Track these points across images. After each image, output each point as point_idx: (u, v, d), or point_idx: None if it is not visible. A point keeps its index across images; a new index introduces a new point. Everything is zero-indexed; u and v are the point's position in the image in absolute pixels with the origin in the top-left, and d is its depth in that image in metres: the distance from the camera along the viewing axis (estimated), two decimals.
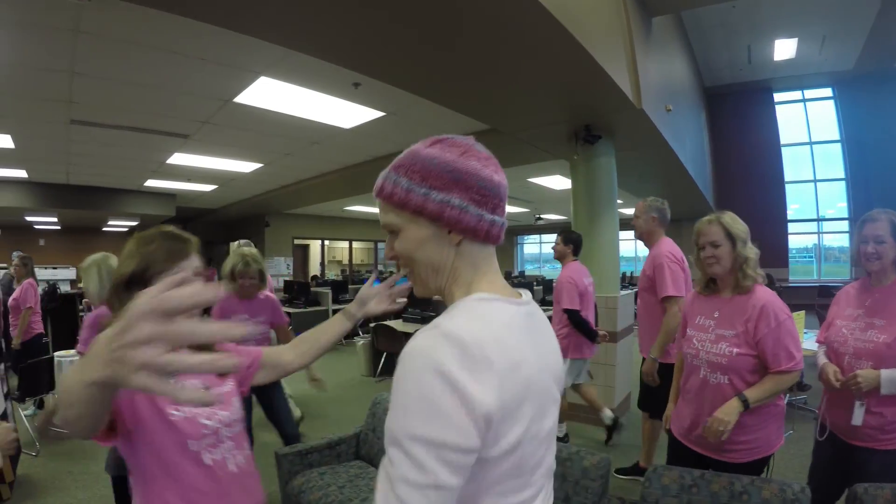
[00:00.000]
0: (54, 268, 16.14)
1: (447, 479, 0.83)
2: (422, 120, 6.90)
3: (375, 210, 1.13)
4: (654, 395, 3.99)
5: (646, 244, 4.37)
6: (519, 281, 14.41)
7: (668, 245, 4.14)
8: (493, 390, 0.86)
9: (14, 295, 6.36)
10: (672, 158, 8.01)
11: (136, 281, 1.41)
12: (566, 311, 4.81)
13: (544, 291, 11.14)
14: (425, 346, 0.88)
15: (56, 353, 6.19)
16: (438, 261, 1.06)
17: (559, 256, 5.18)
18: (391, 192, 1.04)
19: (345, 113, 6.65)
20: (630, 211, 6.22)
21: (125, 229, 17.43)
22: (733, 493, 2.23)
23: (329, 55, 4.16)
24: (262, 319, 3.94)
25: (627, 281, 15.38)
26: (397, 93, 5.05)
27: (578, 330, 4.83)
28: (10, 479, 4.40)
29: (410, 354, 0.88)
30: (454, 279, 1.07)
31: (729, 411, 2.30)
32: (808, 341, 5.90)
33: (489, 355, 0.88)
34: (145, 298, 0.66)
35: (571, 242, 5.10)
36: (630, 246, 20.20)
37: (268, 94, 5.86)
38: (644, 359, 4.10)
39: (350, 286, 13.07)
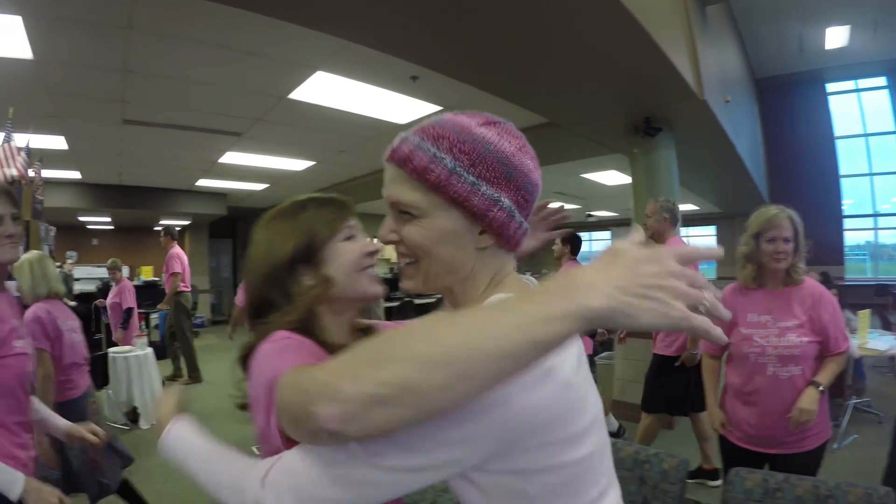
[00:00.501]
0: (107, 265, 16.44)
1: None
2: None
3: None
4: (661, 392, 4.39)
5: (657, 244, 4.36)
6: None
7: (679, 245, 4.08)
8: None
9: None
10: (730, 152, 7.82)
11: (300, 259, 1.17)
12: None
13: None
14: None
15: (110, 350, 6.31)
16: (458, 261, 0.93)
17: (558, 256, 5.37)
18: (426, 167, 0.87)
19: (401, 108, 6.57)
20: (686, 207, 6.11)
21: (177, 228, 17.68)
22: (818, 496, 2.15)
23: (388, 47, 4.16)
24: None
25: None
26: (455, 86, 5.02)
27: None
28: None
29: None
30: (471, 279, 0.95)
31: (812, 400, 2.36)
32: (874, 341, 5.74)
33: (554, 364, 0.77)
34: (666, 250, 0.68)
35: (570, 243, 5.30)
36: (700, 243, 19.30)
37: (323, 89, 5.81)
38: (655, 355, 4.49)
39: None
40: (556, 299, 0.65)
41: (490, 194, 0.87)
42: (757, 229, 2.58)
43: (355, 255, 1.21)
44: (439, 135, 0.89)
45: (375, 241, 1.17)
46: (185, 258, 8.31)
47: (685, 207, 8.58)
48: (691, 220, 16.47)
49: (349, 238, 1.24)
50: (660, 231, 4.40)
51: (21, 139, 4.73)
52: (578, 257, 5.28)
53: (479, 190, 0.87)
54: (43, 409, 2.27)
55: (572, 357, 0.83)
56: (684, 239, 5.15)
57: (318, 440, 0.75)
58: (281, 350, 1.06)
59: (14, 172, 4.47)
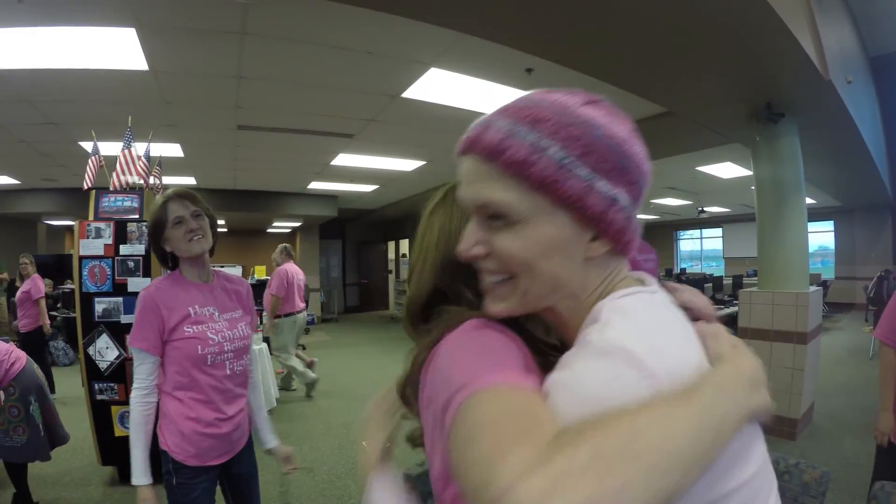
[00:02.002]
0: (222, 266, 17.29)
1: None
2: None
3: None
4: None
5: None
6: (686, 279, 13.66)
7: None
8: None
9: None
10: (854, 138, 7.30)
11: None
12: None
13: (714, 289, 10.70)
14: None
15: None
16: (564, 276, 0.74)
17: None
18: (525, 159, 0.70)
19: None
20: (810, 201, 5.75)
21: (288, 230, 18.44)
22: None
23: (504, 37, 4.09)
24: None
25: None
26: (570, 77, 4.86)
27: None
28: None
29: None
30: (576, 297, 0.76)
31: None
32: None
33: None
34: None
35: None
36: (817, 239, 17.95)
37: (436, 86, 5.76)
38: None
39: None
40: (741, 398, 0.63)
41: (607, 192, 0.70)
42: None
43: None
44: (537, 117, 0.71)
45: None
46: (294, 277, 7.95)
47: (808, 201, 8.05)
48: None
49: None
50: None
51: (140, 147, 4.97)
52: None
53: (594, 187, 0.69)
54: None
55: None
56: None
57: None
58: (477, 343, 0.78)
59: (135, 178, 4.71)
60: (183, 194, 2.25)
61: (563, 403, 0.62)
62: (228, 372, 2.25)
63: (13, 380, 3.96)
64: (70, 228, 16.64)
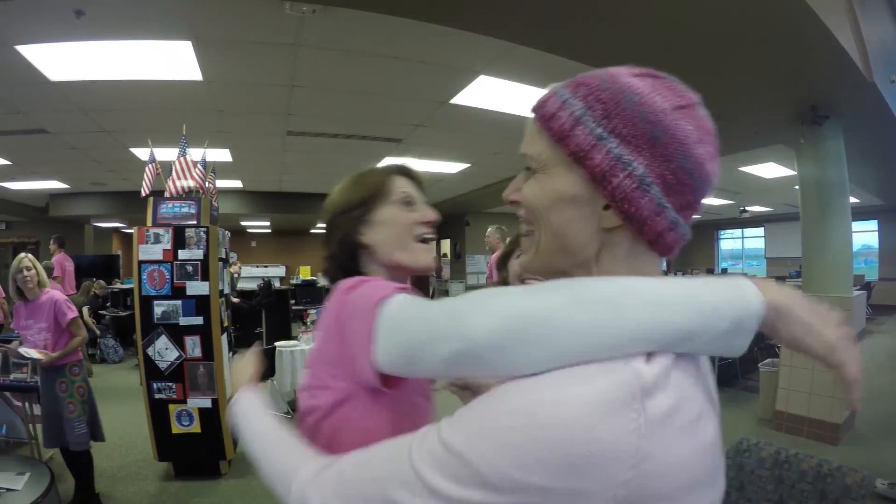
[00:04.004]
0: (265, 266, 17.62)
1: None
2: None
3: None
4: None
5: None
6: None
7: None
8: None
9: None
10: None
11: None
12: None
13: None
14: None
15: (277, 343, 6.72)
16: (573, 236, 0.74)
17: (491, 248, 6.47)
18: (554, 113, 0.73)
19: None
20: (853, 200, 5.69)
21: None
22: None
23: (554, 47, 4.16)
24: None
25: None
26: None
27: None
28: (231, 455, 4.79)
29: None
30: (592, 269, 0.75)
31: None
32: None
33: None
34: None
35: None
36: (860, 238, 17.08)
37: (484, 93, 5.80)
38: None
39: None
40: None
41: (619, 153, 0.69)
42: None
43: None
44: (582, 82, 0.75)
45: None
46: None
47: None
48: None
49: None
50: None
51: (195, 154, 5.12)
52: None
53: (603, 144, 0.69)
54: None
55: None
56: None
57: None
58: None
59: (191, 184, 4.84)
60: (412, 173, 1.46)
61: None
62: None
63: (78, 361, 4.17)
64: (117, 230, 17.06)
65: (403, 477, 0.65)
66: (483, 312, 0.67)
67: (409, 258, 1.23)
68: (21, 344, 4.17)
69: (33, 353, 3.95)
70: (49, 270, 8.14)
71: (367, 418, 1.01)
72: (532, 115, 0.79)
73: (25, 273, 4.04)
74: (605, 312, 0.62)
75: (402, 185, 1.31)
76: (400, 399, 1.04)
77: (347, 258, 1.24)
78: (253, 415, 1.04)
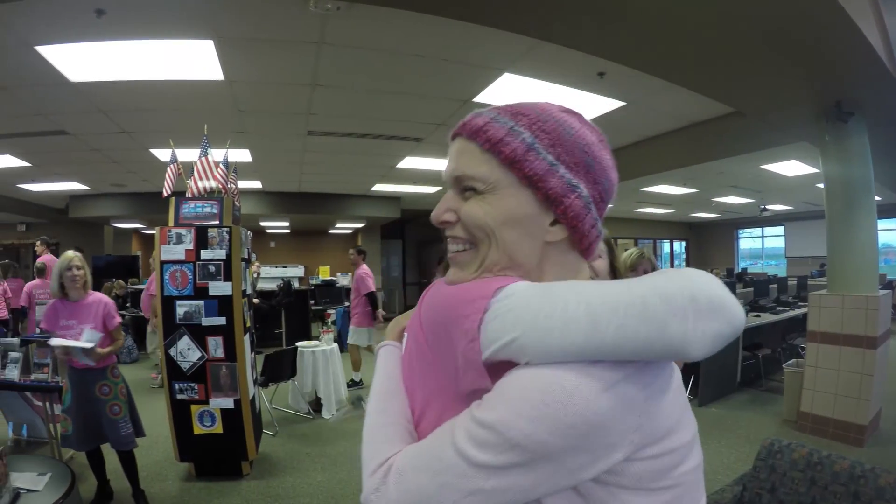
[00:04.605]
0: (284, 266, 17.67)
1: None
2: (660, 108, 6.54)
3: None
4: None
5: None
6: (748, 279, 13.29)
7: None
8: None
9: None
10: None
11: None
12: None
13: (779, 290, 10.34)
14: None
15: (298, 344, 6.74)
16: (522, 251, 0.83)
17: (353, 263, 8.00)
18: (502, 139, 0.81)
19: (583, 105, 6.33)
20: (876, 198, 5.61)
21: (350, 231, 18.66)
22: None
23: (580, 44, 4.13)
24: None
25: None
26: (640, 80, 4.93)
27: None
28: (253, 456, 4.79)
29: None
30: (534, 278, 0.83)
31: None
32: None
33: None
34: None
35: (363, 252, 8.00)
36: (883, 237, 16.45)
37: (508, 91, 5.75)
38: None
39: None
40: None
41: (568, 179, 0.81)
42: None
43: None
44: (518, 112, 0.85)
45: None
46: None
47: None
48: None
49: None
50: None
51: (217, 154, 5.12)
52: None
53: (557, 171, 0.80)
54: None
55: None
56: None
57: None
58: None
59: (213, 184, 4.84)
60: None
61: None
62: None
63: (115, 363, 4.15)
64: (136, 231, 17.18)
65: (449, 459, 0.72)
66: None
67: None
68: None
69: (81, 344, 3.80)
70: (42, 271, 8.26)
71: None
72: (463, 138, 0.87)
73: (76, 272, 3.93)
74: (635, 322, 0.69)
75: None
76: None
77: None
78: (382, 372, 1.01)
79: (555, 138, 0.81)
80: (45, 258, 8.92)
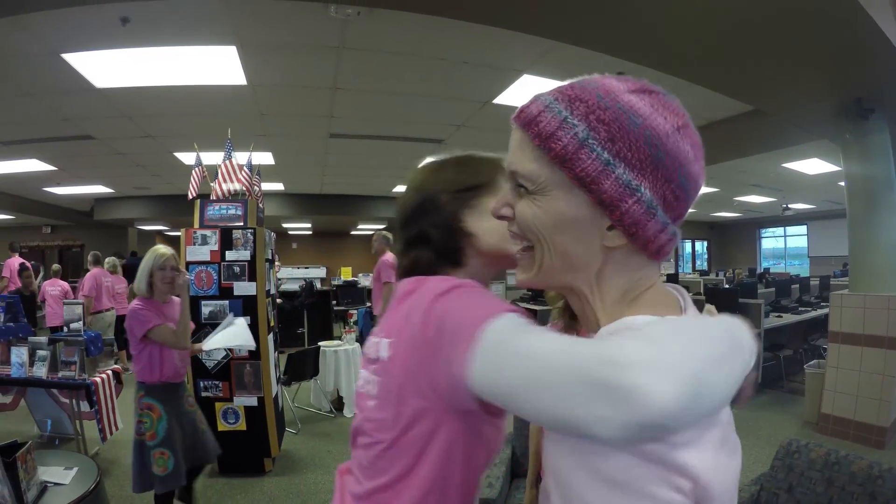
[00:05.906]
0: (306, 268, 17.80)
1: None
2: None
3: None
4: None
5: None
6: (770, 279, 13.13)
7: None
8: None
9: None
10: None
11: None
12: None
13: (801, 291, 10.11)
14: None
15: (321, 343, 6.80)
16: (578, 256, 0.74)
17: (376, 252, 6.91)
18: (552, 133, 0.71)
19: None
20: None
21: (370, 232, 18.72)
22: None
23: (598, 44, 4.19)
24: None
25: None
26: (659, 79, 4.75)
27: None
28: (276, 453, 4.85)
29: None
30: (600, 283, 0.76)
31: None
32: None
33: None
34: None
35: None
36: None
37: (528, 92, 5.68)
38: None
39: None
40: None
41: (627, 180, 0.69)
42: None
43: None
44: (576, 97, 0.72)
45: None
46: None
47: None
48: None
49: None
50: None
51: (241, 157, 5.20)
52: None
53: (612, 172, 0.69)
54: None
55: None
56: None
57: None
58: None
59: (236, 186, 4.91)
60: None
61: None
62: None
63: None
64: (160, 233, 17.38)
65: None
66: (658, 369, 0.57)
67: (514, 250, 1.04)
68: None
69: (247, 343, 3.86)
70: (33, 273, 8.37)
71: (455, 435, 0.95)
72: (519, 127, 0.77)
73: (170, 273, 3.37)
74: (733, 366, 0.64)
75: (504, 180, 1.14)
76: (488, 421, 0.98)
77: (445, 242, 1.16)
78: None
79: (614, 131, 0.69)
80: (9, 261, 9.27)
